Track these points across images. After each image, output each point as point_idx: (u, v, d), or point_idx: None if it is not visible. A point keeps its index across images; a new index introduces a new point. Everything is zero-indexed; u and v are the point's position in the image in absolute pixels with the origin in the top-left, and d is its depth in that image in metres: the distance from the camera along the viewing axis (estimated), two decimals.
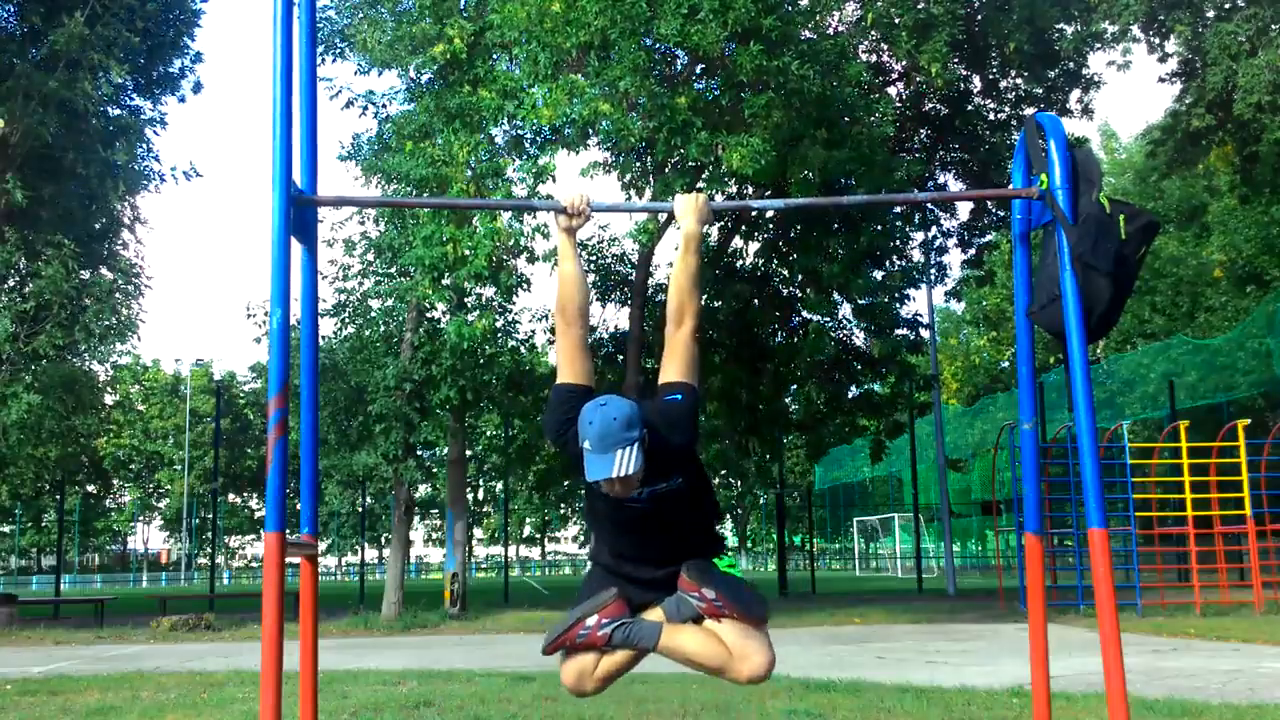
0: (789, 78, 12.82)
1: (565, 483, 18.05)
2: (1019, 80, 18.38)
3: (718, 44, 12.45)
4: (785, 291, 16.86)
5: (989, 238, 19.38)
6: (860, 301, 15.79)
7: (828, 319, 16.13)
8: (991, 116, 18.41)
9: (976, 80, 18.47)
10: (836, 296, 15.73)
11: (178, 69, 17.95)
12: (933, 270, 19.45)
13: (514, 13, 12.76)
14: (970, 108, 18.17)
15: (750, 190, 15.12)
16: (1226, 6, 17.56)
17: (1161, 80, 19.41)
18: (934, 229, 19.10)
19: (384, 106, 16.21)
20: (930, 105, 18.41)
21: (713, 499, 3.22)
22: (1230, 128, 18.45)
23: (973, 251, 19.68)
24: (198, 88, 18.42)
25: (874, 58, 17.83)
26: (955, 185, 18.44)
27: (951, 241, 19.37)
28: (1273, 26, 16.65)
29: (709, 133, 12.51)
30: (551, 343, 17.86)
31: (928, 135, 18.68)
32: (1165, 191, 29.81)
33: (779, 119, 13.19)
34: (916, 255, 18.26)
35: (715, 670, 3.02)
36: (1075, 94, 18.64)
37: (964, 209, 19.04)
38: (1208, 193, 27.92)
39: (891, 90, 18.37)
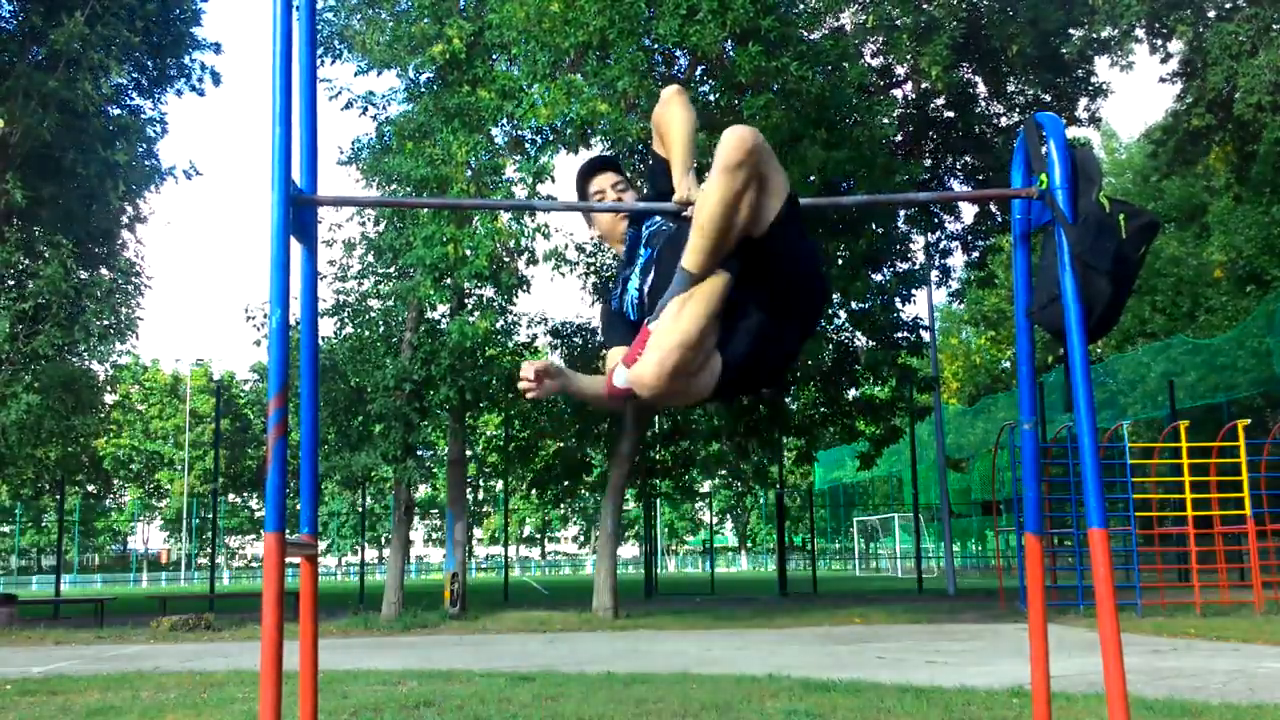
0: (788, 78, 12.82)
1: (565, 482, 18.04)
2: (1025, 85, 18.39)
3: (716, 44, 12.44)
4: None
5: (992, 240, 19.38)
6: (857, 306, 15.76)
7: (825, 324, 16.10)
8: (1000, 122, 18.42)
9: (981, 84, 18.48)
10: (837, 298, 15.71)
11: (194, 64, 18.04)
12: (935, 272, 19.45)
13: (513, 13, 12.76)
14: (977, 111, 18.17)
15: None
16: (1228, 6, 17.56)
17: (1162, 80, 19.43)
18: (938, 232, 19.11)
19: (384, 108, 16.22)
20: (936, 109, 18.41)
21: None
22: (1230, 128, 18.47)
23: (975, 254, 19.69)
24: (217, 79, 18.48)
25: (879, 60, 17.84)
26: (961, 190, 18.44)
27: (955, 244, 19.39)
28: (1274, 26, 16.66)
29: (707, 134, 12.52)
30: (553, 347, 17.88)
31: (934, 139, 18.68)
32: (1165, 191, 29.82)
33: (778, 119, 13.19)
34: (919, 258, 18.25)
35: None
36: (1083, 101, 18.65)
37: (968, 212, 19.05)
38: (1207, 193, 27.92)
39: (897, 92, 18.38)
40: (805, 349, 15.18)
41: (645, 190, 3.27)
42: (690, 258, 2.60)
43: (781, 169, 2.63)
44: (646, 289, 2.96)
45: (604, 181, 3.20)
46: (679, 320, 2.54)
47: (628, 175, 3.17)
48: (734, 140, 2.49)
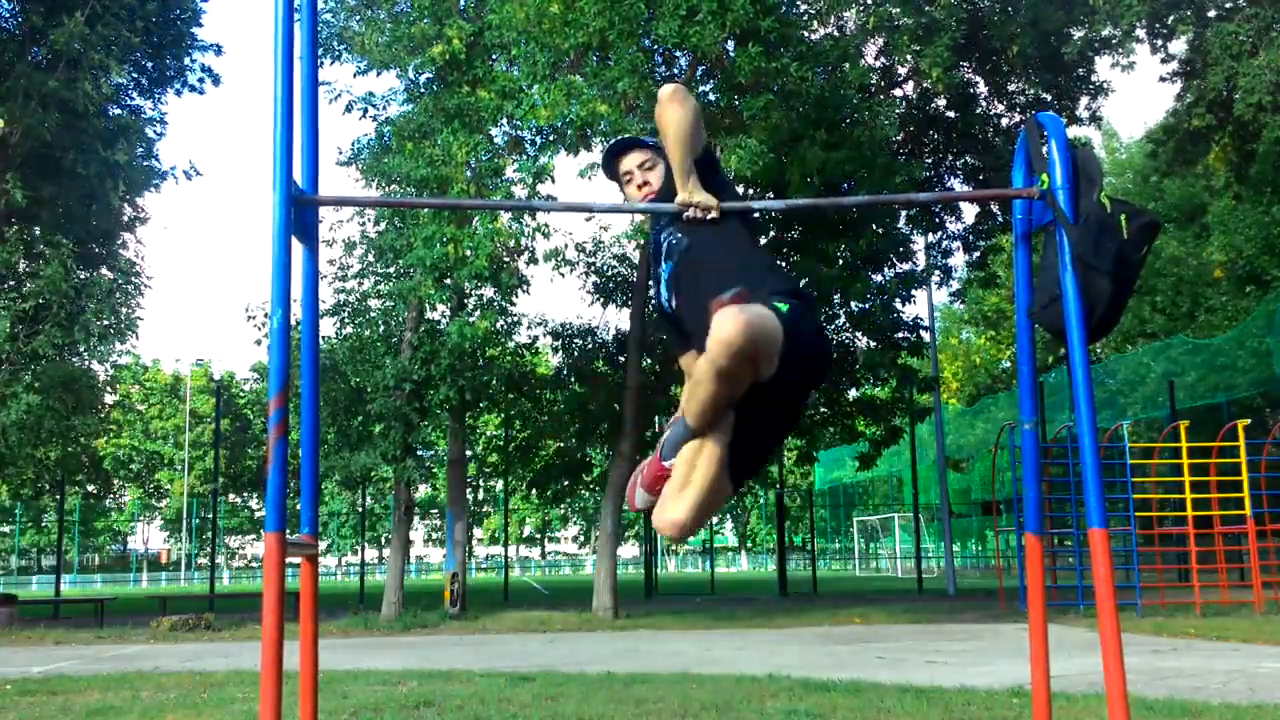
0: (788, 79, 12.81)
1: (565, 481, 18.03)
2: (1026, 85, 18.38)
3: (716, 45, 12.44)
4: None
5: (993, 240, 19.38)
6: (856, 306, 15.75)
7: (825, 325, 16.12)
8: (1001, 122, 18.42)
9: (982, 84, 18.48)
10: (837, 299, 15.71)
11: (194, 65, 18.06)
12: (938, 273, 19.43)
13: (512, 13, 12.76)
14: (977, 111, 18.17)
15: (752, 192, 15.13)
16: (1228, 6, 17.57)
17: (1162, 79, 19.44)
18: (939, 232, 19.10)
19: (383, 109, 16.22)
20: (937, 109, 18.41)
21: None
22: (1230, 128, 18.47)
23: (977, 254, 19.67)
24: (217, 80, 18.50)
25: (880, 60, 17.83)
26: (962, 190, 18.43)
27: (956, 244, 19.38)
28: (1274, 26, 16.66)
29: (707, 133, 12.52)
30: (554, 348, 17.87)
31: (935, 139, 18.68)
32: (1165, 192, 29.83)
33: (777, 120, 13.19)
34: (920, 258, 18.23)
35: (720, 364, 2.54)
36: (1084, 100, 18.65)
37: (969, 212, 19.05)
38: (1207, 193, 27.93)
39: (897, 92, 18.38)
40: None
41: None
42: (690, 417, 2.70)
43: (774, 324, 2.53)
44: (674, 305, 3.03)
45: (631, 162, 3.19)
46: (693, 482, 2.73)
47: (656, 148, 3.14)
48: (719, 345, 2.44)
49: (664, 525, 2.77)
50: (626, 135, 3.21)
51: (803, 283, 15.93)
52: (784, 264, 16.25)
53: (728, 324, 2.43)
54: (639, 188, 3.15)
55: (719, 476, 2.72)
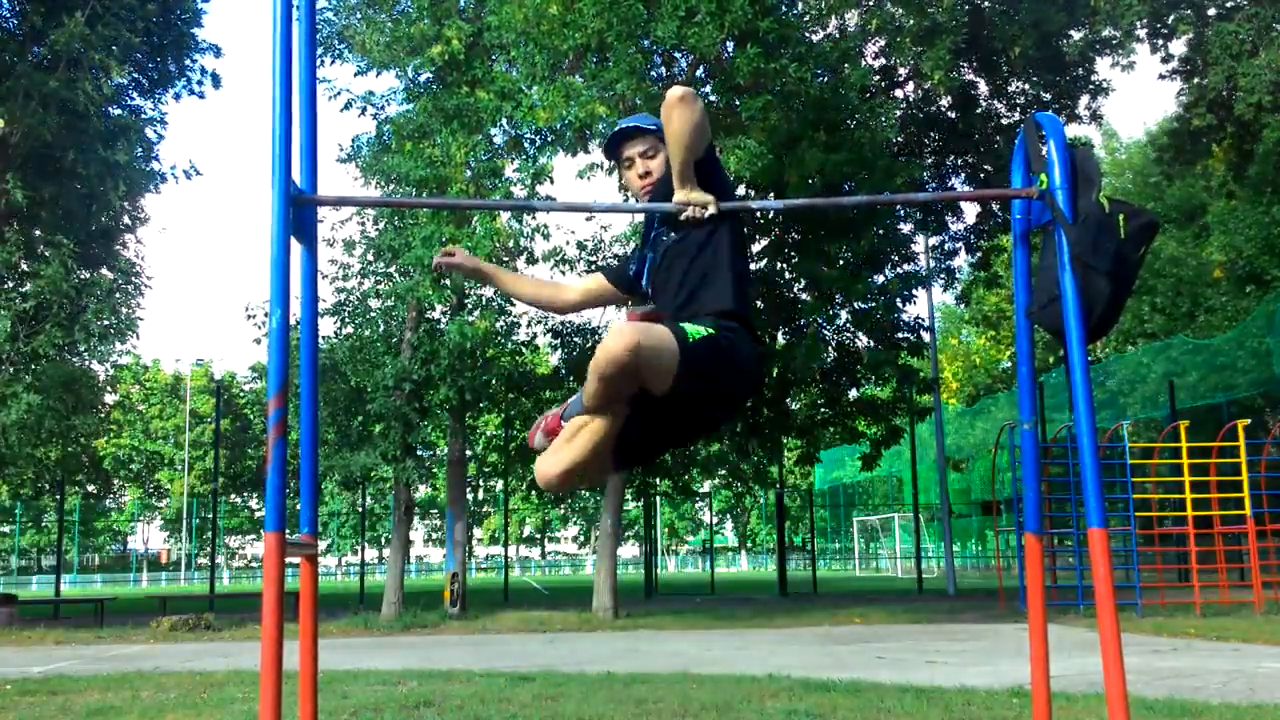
0: (787, 80, 12.81)
1: None
2: (1027, 85, 18.39)
3: (715, 46, 12.44)
4: (789, 294, 16.85)
5: (996, 240, 19.38)
6: (857, 306, 15.74)
7: (826, 325, 16.09)
8: (1002, 121, 18.41)
9: (984, 85, 18.48)
10: (838, 299, 15.70)
11: (194, 66, 18.05)
12: (941, 275, 19.42)
13: (511, 14, 12.76)
14: (978, 111, 18.18)
15: (752, 193, 15.13)
16: (1228, 6, 17.57)
17: (1161, 78, 19.44)
18: (942, 234, 19.10)
19: (383, 108, 16.22)
20: (938, 109, 18.42)
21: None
22: (1230, 128, 18.48)
23: (979, 254, 19.67)
24: (217, 81, 18.48)
25: (881, 60, 17.83)
26: (963, 190, 18.43)
27: (959, 245, 19.38)
28: (1274, 26, 16.66)
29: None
30: (553, 347, 17.88)
31: (937, 139, 18.68)
32: (1165, 192, 29.83)
33: (776, 121, 13.19)
34: (921, 260, 18.23)
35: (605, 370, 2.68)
36: (1084, 100, 18.65)
37: (971, 212, 19.06)
38: (1207, 193, 27.95)
39: (899, 93, 18.38)
40: (803, 350, 15.21)
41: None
42: (585, 398, 2.82)
43: (670, 349, 2.66)
44: (651, 291, 3.20)
45: (634, 149, 3.26)
46: (570, 447, 2.87)
47: (658, 133, 3.21)
48: (603, 354, 2.62)
49: (538, 472, 2.96)
50: (628, 126, 3.26)
51: (801, 284, 15.94)
52: (783, 265, 16.27)
53: (617, 337, 2.60)
54: (640, 176, 3.24)
55: (594, 452, 2.85)
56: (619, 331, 2.61)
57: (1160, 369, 23.72)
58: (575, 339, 17.51)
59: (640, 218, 3.40)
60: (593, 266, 17.11)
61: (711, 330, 2.81)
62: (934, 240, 19.73)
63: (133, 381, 51.06)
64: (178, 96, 18.22)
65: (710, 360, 2.77)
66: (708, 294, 2.97)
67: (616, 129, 3.29)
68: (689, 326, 2.78)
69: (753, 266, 17.20)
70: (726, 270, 3.01)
